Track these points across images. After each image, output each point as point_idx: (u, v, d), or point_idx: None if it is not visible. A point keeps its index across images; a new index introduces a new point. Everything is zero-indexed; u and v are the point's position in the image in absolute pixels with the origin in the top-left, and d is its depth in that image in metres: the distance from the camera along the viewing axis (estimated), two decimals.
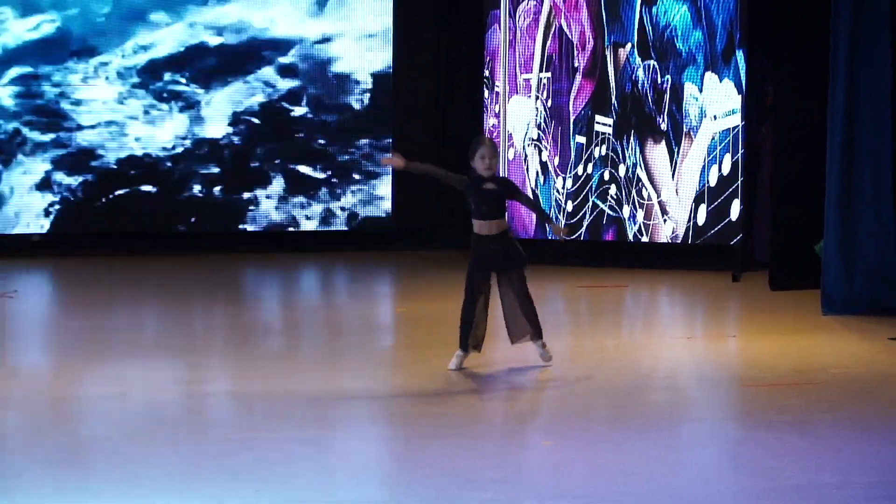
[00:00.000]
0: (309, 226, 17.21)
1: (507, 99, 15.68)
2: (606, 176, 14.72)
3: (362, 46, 17.34)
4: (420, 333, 10.14)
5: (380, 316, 11.86)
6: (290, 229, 17.22)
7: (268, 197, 17.15)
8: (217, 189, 17.07)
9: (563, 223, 9.04)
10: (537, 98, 15.39)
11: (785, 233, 12.54)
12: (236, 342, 10.15)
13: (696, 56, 13.91)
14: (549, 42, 15.28)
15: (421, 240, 17.07)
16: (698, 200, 13.88)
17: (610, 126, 14.70)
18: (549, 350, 8.49)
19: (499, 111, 15.76)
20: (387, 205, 17.24)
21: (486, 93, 16.01)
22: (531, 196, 8.52)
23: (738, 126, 13.54)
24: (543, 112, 15.32)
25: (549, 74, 15.28)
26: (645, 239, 14.41)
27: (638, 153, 14.42)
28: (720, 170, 13.67)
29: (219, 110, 17.24)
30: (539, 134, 15.37)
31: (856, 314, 10.73)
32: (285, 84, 17.13)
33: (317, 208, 17.20)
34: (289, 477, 5.86)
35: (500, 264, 8.33)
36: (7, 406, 7.57)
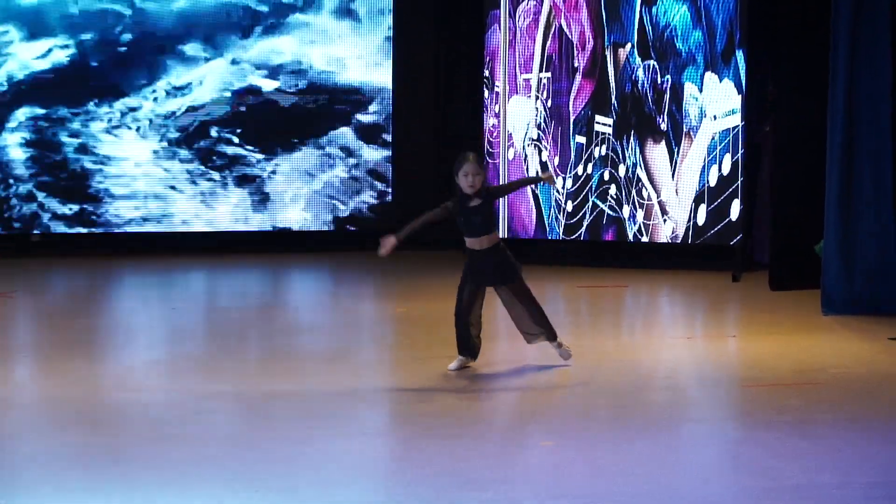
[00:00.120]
0: (308, 226, 17.21)
1: (507, 99, 15.67)
2: (606, 176, 14.72)
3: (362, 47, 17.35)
4: (420, 333, 10.14)
5: (379, 316, 11.86)
6: (291, 228, 17.22)
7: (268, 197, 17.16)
8: (214, 190, 17.07)
9: (553, 174, 8.97)
10: (537, 98, 15.39)
11: (785, 233, 12.54)
12: (236, 342, 10.16)
13: (696, 56, 13.91)
14: (548, 42, 15.28)
15: (421, 240, 17.07)
16: (698, 200, 13.88)
17: (610, 126, 14.70)
18: (568, 347, 8.50)
19: (499, 111, 15.76)
20: (387, 205, 17.24)
21: (486, 93, 16.01)
22: (510, 181, 8.48)
23: (737, 126, 13.54)
24: (543, 112, 15.32)
25: (549, 74, 15.28)
26: (645, 239, 14.41)
27: (638, 153, 14.42)
28: (720, 170, 13.67)
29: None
30: (539, 134, 15.37)
31: (856, 314, 10.73)
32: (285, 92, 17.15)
33: (317, 208, 17.20)
34: (289, 477, 5.86)
35: (493, 279, 8.35)
36: (7, 406, 7.57)
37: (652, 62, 14.29)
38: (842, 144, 10.89)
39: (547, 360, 8.49)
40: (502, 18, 15.71)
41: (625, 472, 5.97)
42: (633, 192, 14.45)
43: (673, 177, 14.10)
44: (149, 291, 13.59)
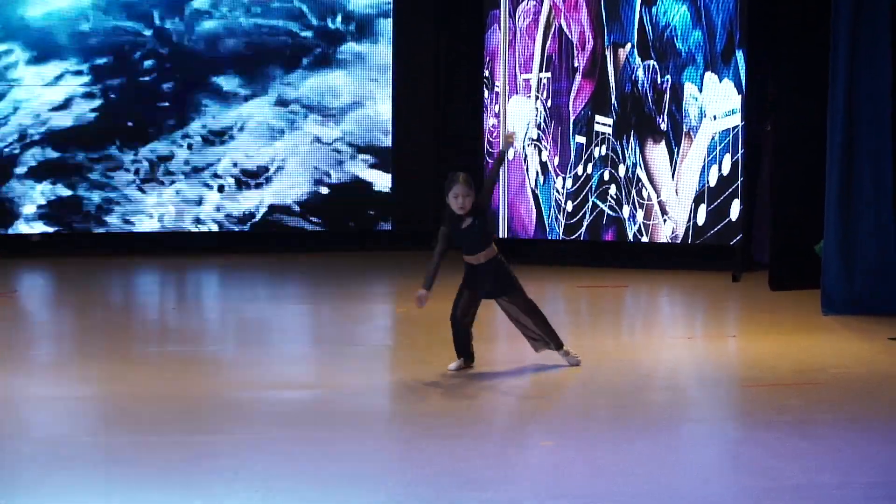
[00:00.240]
0: (308, 226, 17.20)
1: (507, 99, 15.67)
2: (606, 176, 14.71)
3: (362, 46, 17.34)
4: (420, 333, 10.14)
5: (379, 316, 11.85)
6: (291, 227, 17.22)
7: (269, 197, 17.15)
8: (216, 189, 17.05)
9: (510, 135, 8.83)
10: (537, 98, 15.39)
11: (785, 233, 12.54)
12: (235, 341, 10.15)
13: (696, 56, 13.91)
14: (548, 42, 15.28)
15: (421, 240, 17.07)
16: (698, 200, 13.88)
17: (610, 126, 14.69)
18: (575, 354, 8.50)
19: (499, 111, 15.76)
20: (387, 205, 17.24)
21: (486, 93, 16.01)
22: (485, 179, 8.42)
23: (737, 126, 13.54)
24: (543, 112, 15.31)
25: (548, 74, 15.28)
26: (645, 239, 14.41)
27: (638, 153, 14.42)
28: (720, 170, 13.67)
29: None
30: (539, 134, 15.36)
31: (856, 314, 10.73)
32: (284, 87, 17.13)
33: (317, 208, 17.19)
34: (289, 477, 5.86)
35: (492, 291, 8.35)
36: (7, 406, 7.56)
37: (652, 62, 14.29)
38: (842, 144, 10.89)
39: (547, 360, 8.49)
40: (502, 18, 15.70)
41: (625, 472, 5.97)
42: (633, 192, 14.45)
43: (673, 177, 14.10)
44: (148, 292, 13.59)
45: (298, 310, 12.40)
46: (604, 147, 14.73)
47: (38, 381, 8.47)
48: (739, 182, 13.53)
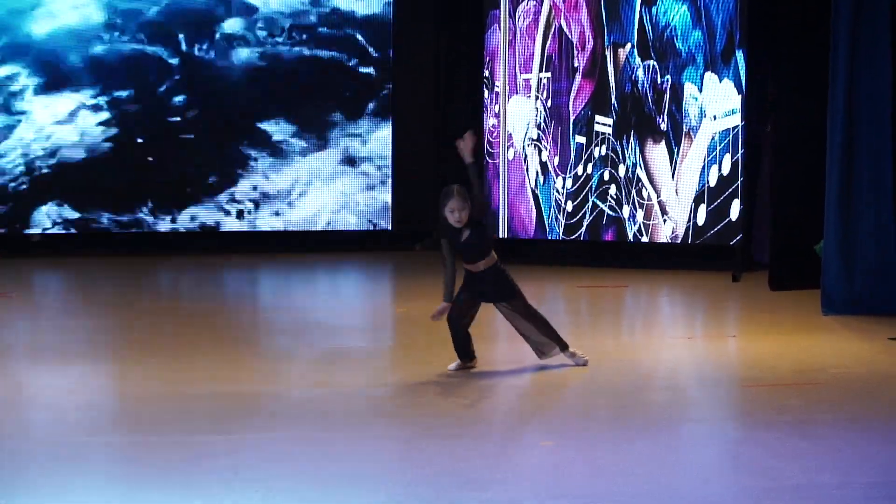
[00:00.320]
0: (308, 226, 17.21)
1: (507, 99, 15.67)
2: (606, 176, 14.72)
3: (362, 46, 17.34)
4: (420, 333, 10.13)
5: (379, 316, 11.85)
6: (289, 229, 17.23)
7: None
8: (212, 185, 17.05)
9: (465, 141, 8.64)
10: (537, 98, 15.39)
11: (785, 233, 12.55)
12: (234, 342, 10.15)
13: (696, 56, 13.91)
14: (548, 42, 15.28)
15: (421, 240, 17.07)
16: (698, 200, 13.88)
17: (610, 126, 14.69)
18: (582, 354, 8.50)
19: (499, 111, 15.76)
20: (387, 205, 17.24)
21: (486, 93, 16.01)
22: (475, 190, 8.36)
23: (737, 126, 13.54)
24: (543, 112, 15.32)
25: (548, 74, 15.28)
26: (645, 239, 14.41)
27: (638, 153, 14.42)
28: (720, 170, 13.67)
29: None
30: (539, 134, 15.36)
31: (856, 314, 10.73)
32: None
33: (316, 208, 17.20)
34: (289, 477, 5.85)
35: (492, 296, 8.35)
36: (7, 406, 7.56)
37: (652, 62, 14.29)
38: (842, 144, 10.89)
39: (547, 360, 8.49)
40: (502, 18, 15.71)
41: (625, 472, 5.97)
42: (633, 192, 14.45)
43: (673, 177, 14.10)
44: (148, 291, 13.58)
45: (298, 310, 12.40)
46: (604, 147, 14.73)
47: (38, 381, 8.47)
48: (739, 182, 13.53)
